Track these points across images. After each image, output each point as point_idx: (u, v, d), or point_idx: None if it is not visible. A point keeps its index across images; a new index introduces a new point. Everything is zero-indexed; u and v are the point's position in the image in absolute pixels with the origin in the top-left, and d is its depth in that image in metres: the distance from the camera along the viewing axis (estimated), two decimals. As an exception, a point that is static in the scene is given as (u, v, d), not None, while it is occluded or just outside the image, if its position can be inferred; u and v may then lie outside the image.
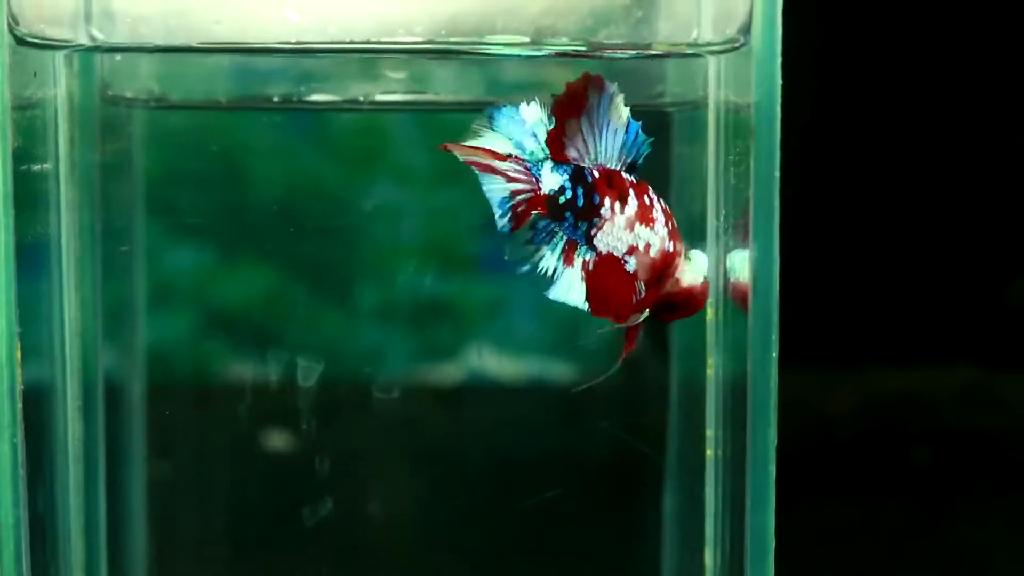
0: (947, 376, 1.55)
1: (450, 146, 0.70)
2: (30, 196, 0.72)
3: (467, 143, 0.70)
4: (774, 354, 0.69)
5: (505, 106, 0.70)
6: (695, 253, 0.72)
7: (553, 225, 0.70)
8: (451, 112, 0.92)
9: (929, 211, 1.56)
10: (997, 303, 1.57)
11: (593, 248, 0.70)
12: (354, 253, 1.01)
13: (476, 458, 0.99)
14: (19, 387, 0.68)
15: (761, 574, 0.69)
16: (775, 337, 0.69)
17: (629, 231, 0.70)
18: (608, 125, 0.70)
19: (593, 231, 0.70)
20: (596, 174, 0.70)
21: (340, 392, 0.97)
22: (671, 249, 0.71)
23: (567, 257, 0.71)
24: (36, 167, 0.72)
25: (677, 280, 0.71)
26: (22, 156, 0.70)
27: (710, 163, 0.74)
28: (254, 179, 0.94)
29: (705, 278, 0.72)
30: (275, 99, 0.82)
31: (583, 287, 0.71)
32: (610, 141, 0.70)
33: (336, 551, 0.95)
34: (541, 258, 0.71)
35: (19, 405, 0.68)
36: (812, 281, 1.45)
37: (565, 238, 0.71)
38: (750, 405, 0.69)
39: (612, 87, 0.69)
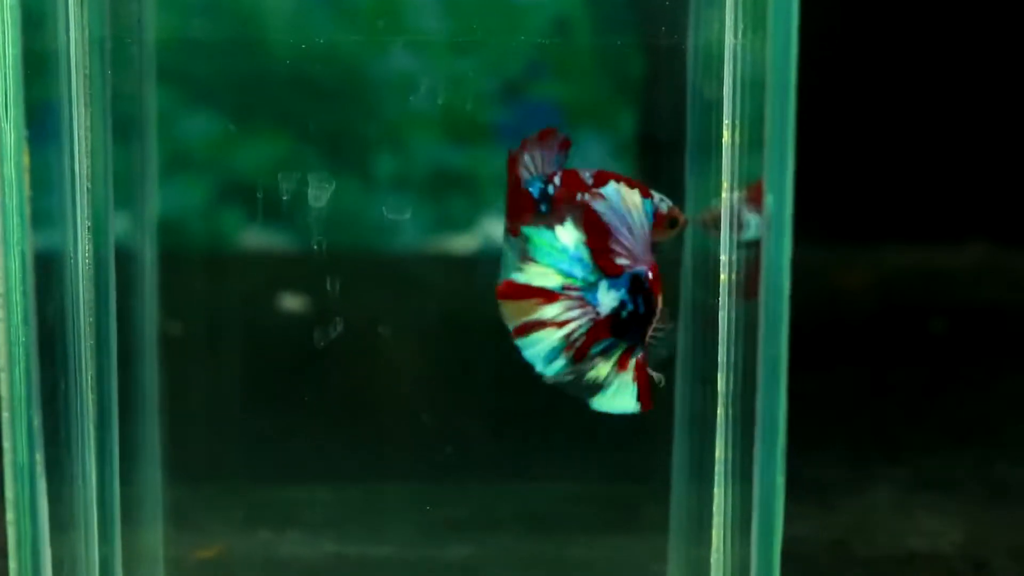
0: (961, 252, 1.55)
1: (504, 301, 0.70)
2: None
3: (517, 281, 0.69)
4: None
5: (541, 231, 0.70)
6: None
7: (613, 341, 0.70)
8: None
9: (946, 87, 1.55)
10: (1011, 181, 1.57)
11: (645, 345, 0.70)
12: (369, 120, 1.01)
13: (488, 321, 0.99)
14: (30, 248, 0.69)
15: (773, 400, 0.68)
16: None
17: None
18: (631, 214, 0.70)
19: (650, 330, 0.70)
20: (650, 274, 0.70)
21: (353, 258, 0.98)
22: None
23: (622, 363, 0.71)
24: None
25: None
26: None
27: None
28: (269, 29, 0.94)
29: None
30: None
31: (635, 388, 0.71)
32: (638, 230, 0.70)
33: (346, 411, 0.96)
34: (592, 369, 0.71)
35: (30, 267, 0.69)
36: (829, 157, 1.44)
37: (624, 347, 0.71)
38: (766, 232, 0.68)
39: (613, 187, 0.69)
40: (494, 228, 1.26)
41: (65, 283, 0.73)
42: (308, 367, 0.95)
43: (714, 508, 0.73)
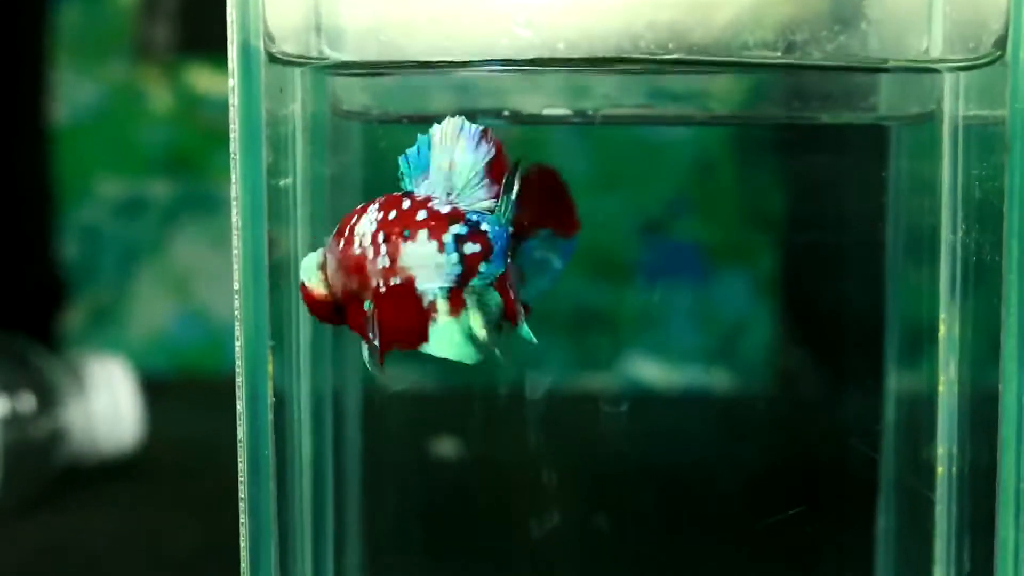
0: None
1: None
2: (276, 210, 0.72)
3: None
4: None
5: None
6: None
7: None
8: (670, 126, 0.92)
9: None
10: None
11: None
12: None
13: (647, 465, 0.99)
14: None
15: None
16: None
17: None
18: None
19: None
20: None
21: (499, 400, 0.97)
22: None
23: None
24: (282, 182, 0.72)
25: None
26: (272, 171, 0.71)
27: (945, 177, 0.73)
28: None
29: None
30: (504, 113, 0.82)
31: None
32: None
33: (509, 554, 0.96)
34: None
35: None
36: None
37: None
38: (1002, 418, 0.68)
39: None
40: (637, 367, 1.26)
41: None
42: (473, 515, 0.95)
43: None
